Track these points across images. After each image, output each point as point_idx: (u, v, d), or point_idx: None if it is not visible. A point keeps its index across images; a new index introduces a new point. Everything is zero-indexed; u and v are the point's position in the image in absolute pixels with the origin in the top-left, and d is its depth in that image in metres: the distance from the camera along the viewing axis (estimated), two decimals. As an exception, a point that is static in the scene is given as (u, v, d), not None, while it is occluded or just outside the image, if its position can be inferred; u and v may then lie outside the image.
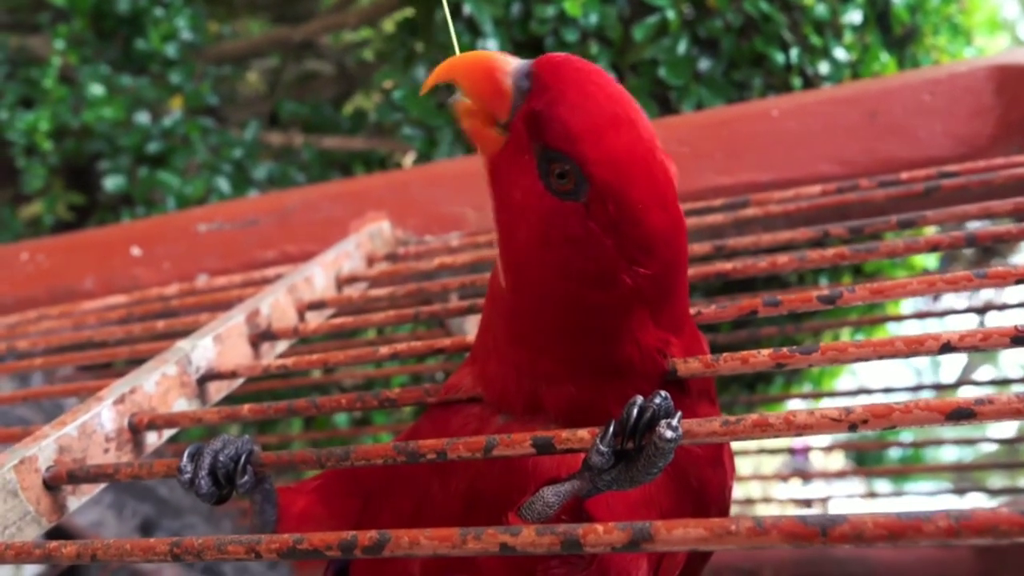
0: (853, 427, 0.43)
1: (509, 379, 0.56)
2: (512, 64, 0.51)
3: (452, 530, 0.40)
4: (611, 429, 0.45)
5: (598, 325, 0.52)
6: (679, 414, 0.45)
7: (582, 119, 0.49)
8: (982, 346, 0.49)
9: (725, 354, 0.54)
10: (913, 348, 0.50)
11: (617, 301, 0.51)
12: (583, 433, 0.47)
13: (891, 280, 0.60)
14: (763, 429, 0.44)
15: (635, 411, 0.45)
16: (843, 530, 0.34)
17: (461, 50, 1.79)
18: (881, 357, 0.51)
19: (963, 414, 0.41)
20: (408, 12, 2.33)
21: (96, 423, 0.63)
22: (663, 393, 0.46)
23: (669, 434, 0.44)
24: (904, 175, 0.87)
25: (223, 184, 2.60)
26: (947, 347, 0.50)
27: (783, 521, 0.35)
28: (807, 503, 2.35)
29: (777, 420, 0.44)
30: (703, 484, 0.57)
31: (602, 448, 0.45)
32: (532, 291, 0.53)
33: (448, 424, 0.59)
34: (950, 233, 0.65)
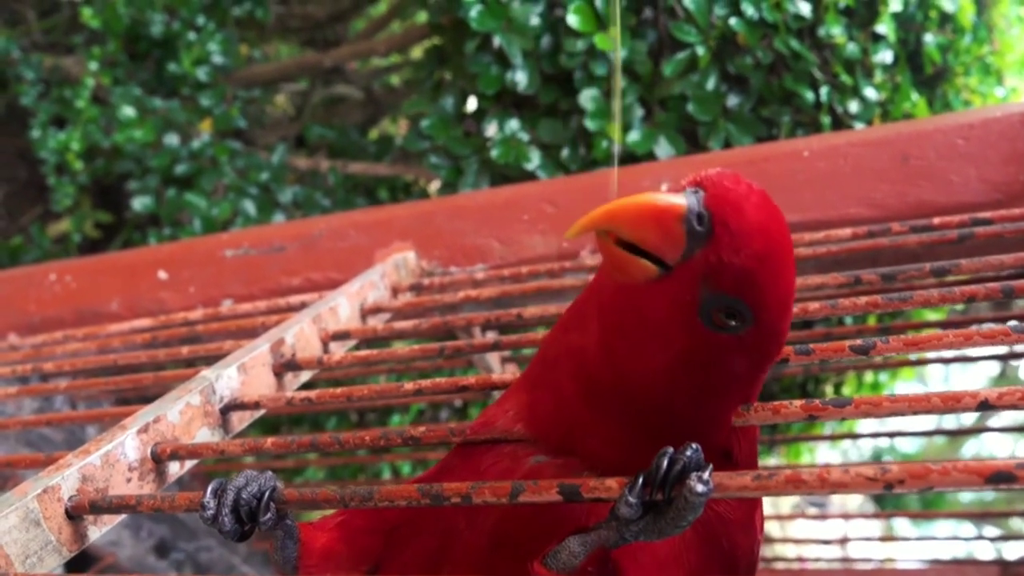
0: (889, 487, 0.42)
1: (561, 422, 0.56)
2: (681, 206, 0.47)
3: (478, 580, 0.39)
4: (640, 480, 0.45)
5: (693, 420, 0.52)
6: (710, 467, 0.44)
7: (766, 270, 0.47)
8: (1021, 405, 0.48)
9: (756, 403, 0.53)
10: (950, 405, 0.49)
11: (726, 405, 0.53)
12: (611, 483, 0.46)
13: (921, 324, 0.59)
14: (796, 485, 0.43)
15: (665, 462, 0.44)
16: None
17: (489, 83, 1.76)
18: (916, 413, 0.50)
19: (1003, 478, 0.40)
20: (437, 40, 2.36)
21: (119, 452, 0.63)
22: (694, 445, 0.45)
23: (700, 488, 0.43)
24: (936, 220, 0.86)
25: (249, 206, 2.62)
26: (984, 404, 0.49)
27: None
28: (825, 542, 2.31)
29: (811, 477, 0.43)
30: (733, 548, 0.56)
31: (631, 499, 0.44)
32: (641, 393, 0.52)
33: (479, 462, 0.58)
34: (986, 285, 0.64)
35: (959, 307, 2.29)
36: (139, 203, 2.64)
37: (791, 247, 0.49)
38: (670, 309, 0.49)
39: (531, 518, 0.53)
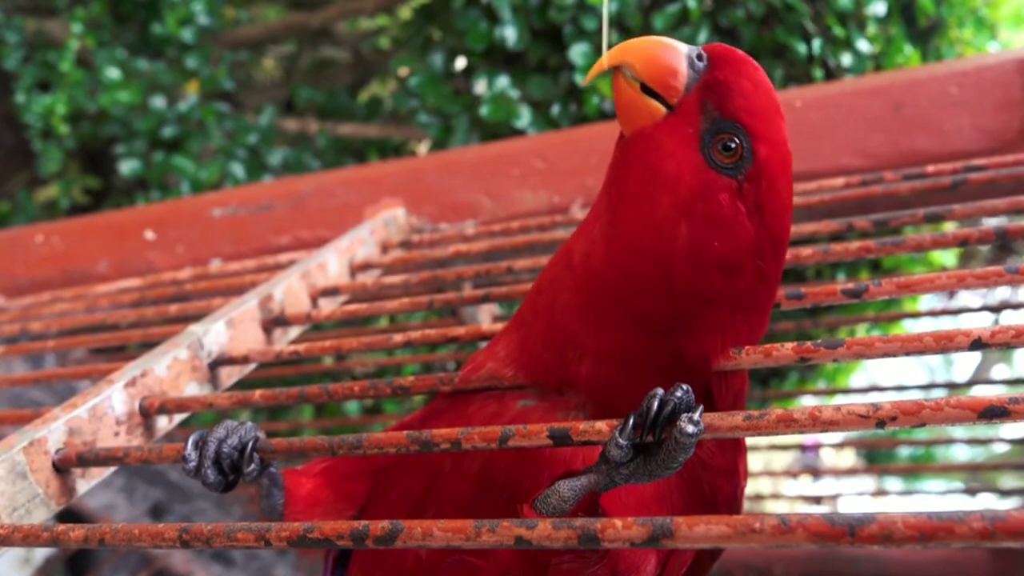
0: (881, 424, 0.42)
1: (553, 347, 0.55)
2: (683, 47, 0.52)
3: (466, 522, 0.39)
4: (631, 422, 0.44)
5: (693, 315, 0.51)
6: (700, 408, 0.44)
7: (761, 98, 0.51)
8: (1014, 343, 0.48)
9: (747, 347, 0.53)
10: (942, 344, 0.49)
11: (729, 294, 0.51)
12: (601, 425, 0.46)
13: (913, 275, 0.58)
14: (787, 425, 0.43)
15: (655, 404, 0.44)
16: (871, 530, 0.33)
17: (478, 38, 1.74)
18: (909, 353, 0.50)
19: (997, 412, 0.40)
20: (425, -1, 2.32)
21: (107, 406, 0.63)
22: (684, 386, 0.45)
23: (690, 428, 0.43)
24: (930, 168, 0.85)
25: (238, 169, 2.59)
26: (978, 343, 0.48)
27: (809, 520, 0.34)
28: (817, 500, 2.34)
29: (802, 416, 0.43)
30: (715, 492, 0.56)
31: (621, 441, 0.44)
32: (642, 266, 0.51)
33: (467, 406, 0.58)
34: (979, 227, 0.64)
35: (951, 262, 2.29)
36: (126, 167, 2.61)
37: (779, 101, 0.53)
38: (673, 146, 0.51)
39: (516, 462, 0.53)
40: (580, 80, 1.81)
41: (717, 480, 0.56)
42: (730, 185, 0.50)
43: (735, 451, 0.57)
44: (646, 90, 0.52)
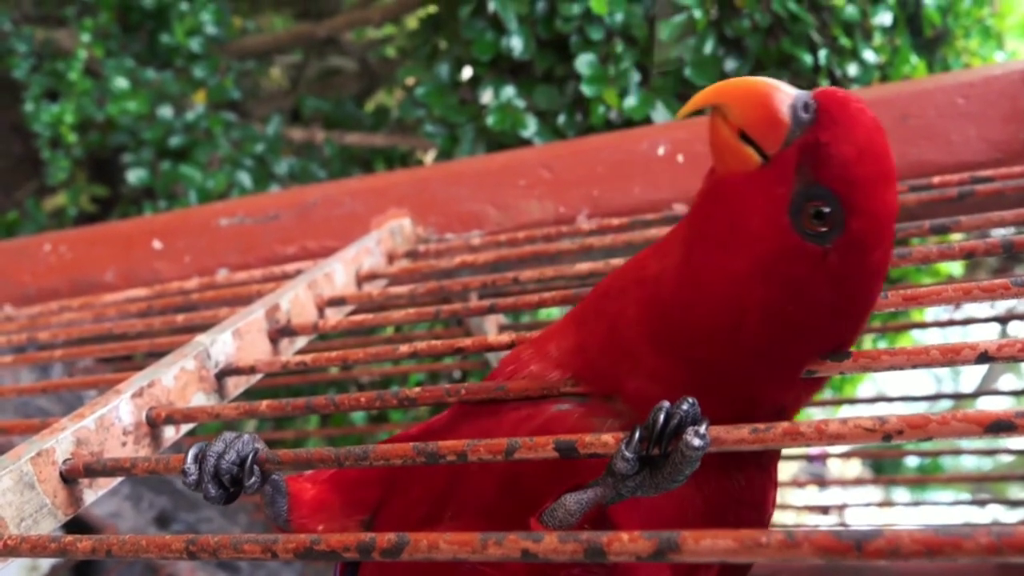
0: (887, 437, 0.42)
1: (610, 354, 0.53)
2: (791, 93, 0.48)
3: (473, 535, 0.39)
4: (637, 435, 0.44)
5: (764, 367, 0.50)
6: (707, 421, 0.44)
7: (866, 167, 0.47)
8: (1021, 356, 0.48)
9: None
10: (949, 357, 0.49)
11: (802, 354, 0.50)
12: (607, 438, 0.46)
13: (920, 287, 0.58)
14: (794, 438, 0.43)
15: (662, 416, 0.44)
16: (878, 545, 0.33)
17: (484, 48, 1.76)
18: (915, 366, 0.50)
19: (1003, 426, 0.40)
20: (432, 8, 2.33)
21: (114, 416, 0.63)
22: (690, 399, 0.45)
23: (697, 442, 0.43)
24: (936, 179, 0.85)
25: (245, 179, 2.61)
26: (984, 357, 0.48)
27: (816, 535, 0.34)
28: (824, 510, 2.32)
29: (808, 429, 0.43)
30: (739, 524, 0.54)
31: (627, 454, 0.44)
32: (710, 312, 0.50)
33: (500, 406, 0.56)
34: (985, 240, 0.64)
35: (958, 273, 2.28)
36: (134, 176, 2.62)
37: (892, 163, 0.48)
38: (762, 202, 0.48)
39: (542, 463, 0.52)
40: (586, 90, 1.82)
41: (743, 512, 0.54)
42: (815, 253, 0.47)
43: (764, 484, 0.55)
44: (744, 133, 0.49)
